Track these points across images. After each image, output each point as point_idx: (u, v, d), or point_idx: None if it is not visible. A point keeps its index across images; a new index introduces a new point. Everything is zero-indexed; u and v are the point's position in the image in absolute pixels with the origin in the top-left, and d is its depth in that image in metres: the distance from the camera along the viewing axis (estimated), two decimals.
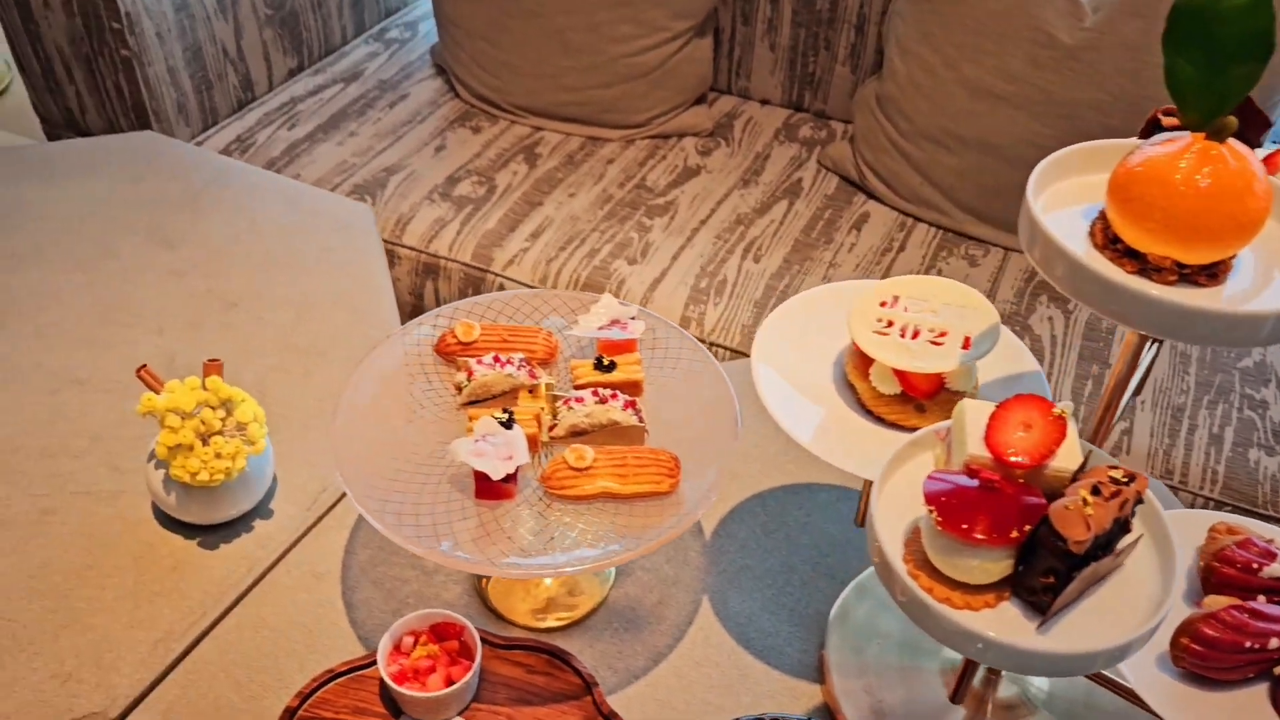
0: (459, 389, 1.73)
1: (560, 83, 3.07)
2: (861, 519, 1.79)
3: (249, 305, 2.35)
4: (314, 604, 1.72)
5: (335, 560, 1.90)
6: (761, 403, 1.44)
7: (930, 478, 1.07)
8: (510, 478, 1.58)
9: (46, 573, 1.75)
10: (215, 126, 3.17)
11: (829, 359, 1.67)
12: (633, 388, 1.74)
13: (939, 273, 2.85)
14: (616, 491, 1.59)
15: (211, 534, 1.94)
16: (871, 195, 3.16)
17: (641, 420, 1.68)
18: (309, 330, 2.30)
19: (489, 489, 1.59)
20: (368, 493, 1.58)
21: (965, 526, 1.01)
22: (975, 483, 1.04)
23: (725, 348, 2.53)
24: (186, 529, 1.95)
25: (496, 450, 1.58)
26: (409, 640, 1.69)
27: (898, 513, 1.18)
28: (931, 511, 1.05)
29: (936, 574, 1.08)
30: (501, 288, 2.86)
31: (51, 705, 1.55)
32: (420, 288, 2.94)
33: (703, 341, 2.30)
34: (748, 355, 2.78)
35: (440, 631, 1.70)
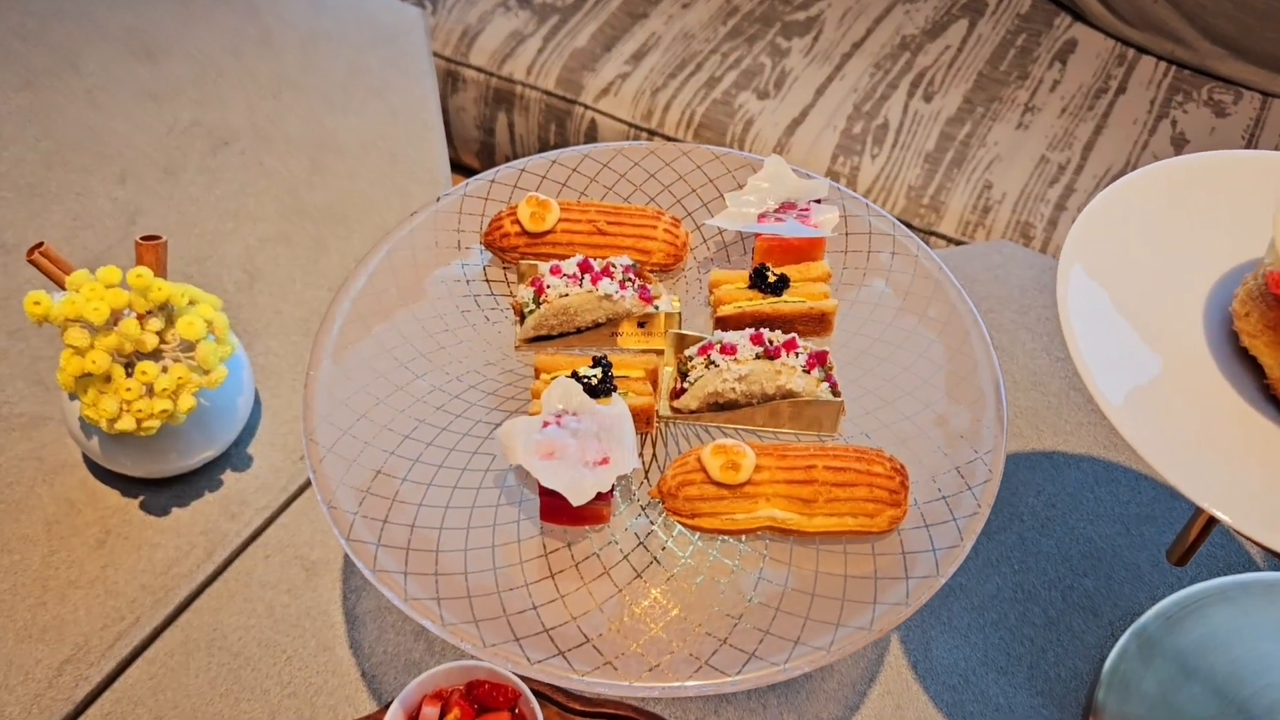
0: (520, 313, 0.92)
1: None
2: (1182, 556, 0.96)
3: (246, 146, 1.53)
4: (301, 615, 1.18)
5: (337, 543, 1.15)
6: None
7: None
8: (608, 492, 0.79)
9: None
10: None
11: (1196, 294, 0.82)
12: (819, 324, 0.92)
13: (1173, 125, 1.91)
14: (792, 527, 0.80)
15: (160, 490, 1.19)
16: (1080, 16, 2.17)
17: (837, 391, 0.86)
18: (326, 186, 1.47)
19: (564, 511, 0.80)
20: (356, 505, 0.82)
21: None
22: None
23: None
24: (126, 482, 1.19)
25: (580, 445, 0.79)
26: (431, 711, 0.95)
27: None
28: None
29: None
30: (593, 126, 1.99)
31: None
32: (489, 120, 2.10)
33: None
34: (915, 227, 1.88)
35: (481, 696, 0.95)
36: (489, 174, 1.06)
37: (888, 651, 1.09)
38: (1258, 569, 1.15)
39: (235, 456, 1.21)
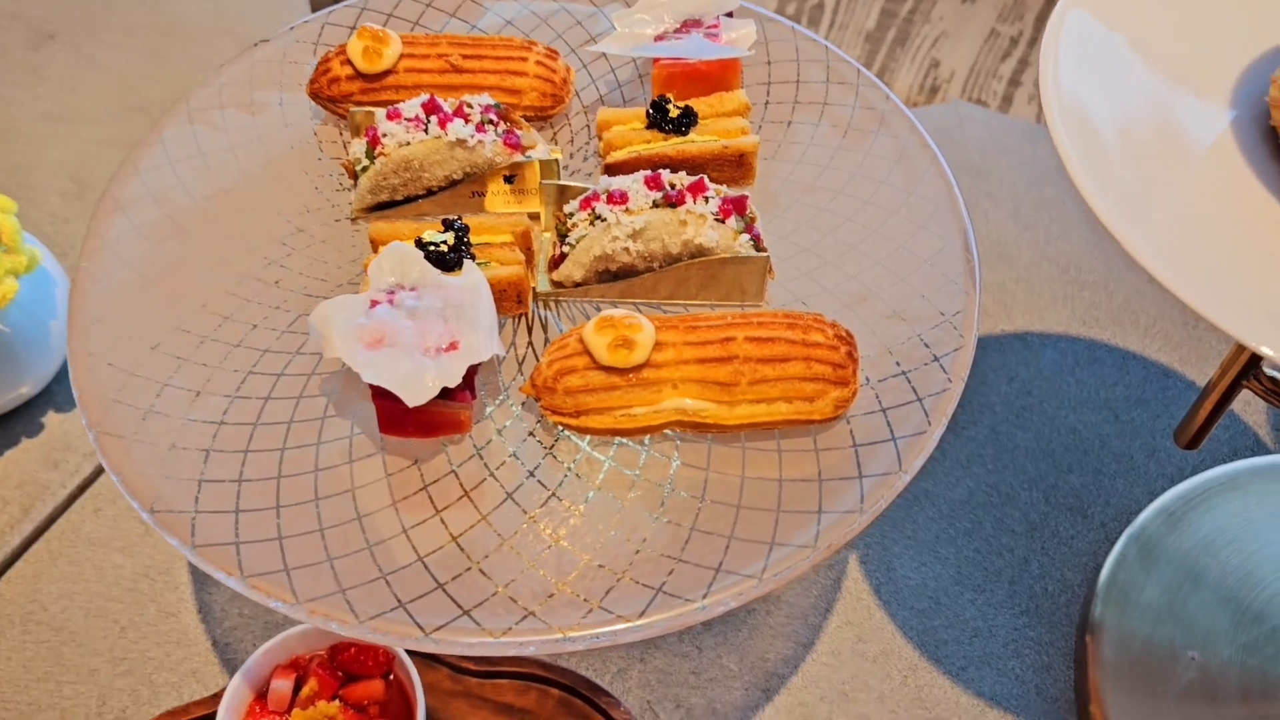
0: (353, 174, 0.69)
1: None
2: (1194, 437, 0.75)
3: (74, 38, 1.25)
4: (138, 576, 0.98)
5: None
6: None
7: None
8: (460, 388, 0.56)
9: None
10: None
11: (1222, 82, 0.60)
12: (737, 169, 0.69)
13: None
14: (708, 420, 0.58)
15: None
16: None
17: (761, 245, 0.64)
18: (169, 79, 1.23)
19: (406, 417, 0.57)
20: (135, 426, 0.58)
21: None
22: None
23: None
24: None
25: (418, 328, 0.56)
26: (283, 684, 0.73)
27: None
28: None
29: None
30: None
31: None
32: None
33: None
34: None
35: (346, 662, 0.74)
36: (320, 14, 0.82)
37: (844, 575, 0.88)
38: (1268, 451, 0.95)
39: (57, 394, 0.97)
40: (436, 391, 0.57)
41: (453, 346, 0.58)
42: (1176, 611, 0.85)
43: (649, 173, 0.65)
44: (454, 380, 0.57)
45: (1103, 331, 1.01)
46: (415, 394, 0.56)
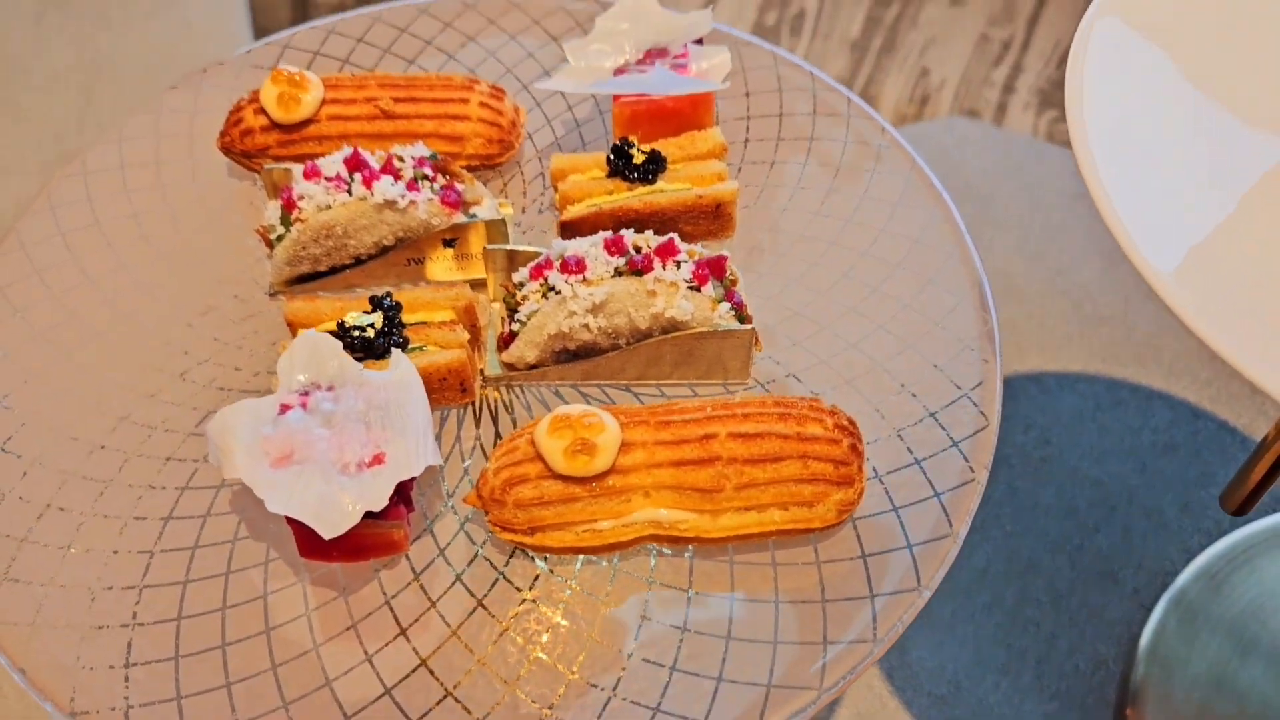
0: (268, 241, 0.58)
1: None
2: (1244, 502, 0.65)
3: None
4: None
5: None
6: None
7: None
8: (394, 502, 0.46)
9: None
10: None
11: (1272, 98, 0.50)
12: (714, 221, 0.59)
13: None
14: (687, 533, 0.48)
15: None
16: None
17: (745, 314, 0.54)
18: (102, 126, 1.12)
19: (330, 540, 0.47)
20: (13, 568, 0.49)
21: None
22: None
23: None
24: None
25: (335, 439, 0.46)
26: None
27: None
28: None
29: None
30: None
31: None
32: None
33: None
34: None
35: None
36: (238, 54, 0.72)
37: None
38: None
39: None
40: (358, 519, 0.47)
41: (377, 460, 0.48)
42: (1227, 687, 0.76)
43: (609, 234, 0.55)
44: (379, 503, 0.47)
45: (1123, 370, 0.91)
46: (331, 523, 0.46)
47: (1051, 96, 1.53)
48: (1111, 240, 0.59)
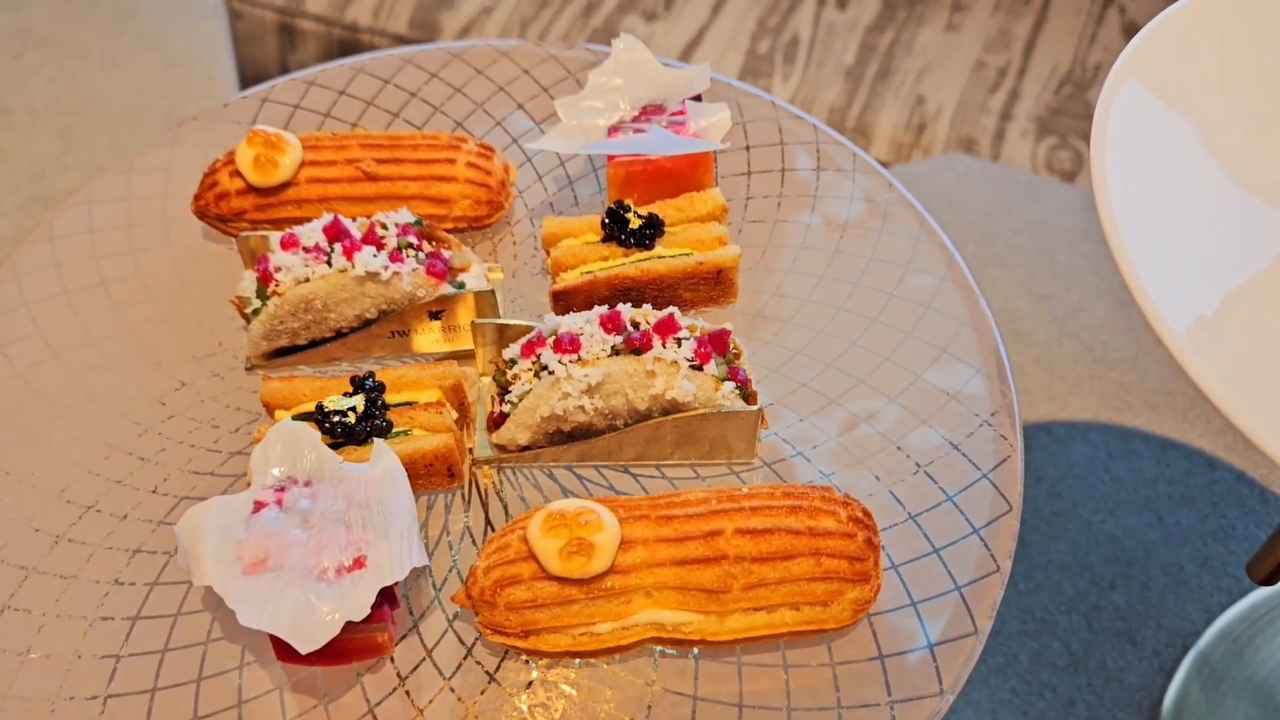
0: (244, 313, 0.55)
1: None
2: (1273, 571, 0.61)
3: None
4: None
5: None
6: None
7: None
8: (379, 605, 0.42)
9: None
10: None
11: None
12: (715, 287, 0.56)
13: (1121, 11, 1.59)
14: (692, 636, 0.44)
15: None
16: None
17: (751, 394, 0.50)
18: (81, 165, 1.11)
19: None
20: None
21: None
22: None
23: None
24: None
25: (313, 542, 0.42)
26: None
27: None
28: None
29: None
30: None
31: None
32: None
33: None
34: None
35: None
36: (214, 110, 0.68)
37: None
38: None
39: None
40: (337, 630, 0.43)
41: (358, 564, 0.45)
42: None
43: (605, 309, 0.52)
44: (360, 613, 0.43)
45: (1136, 418, 0.88)
46: (309, 637, 0.43)
47: (1049, 123, 1.51)
48: (1120, 281, 0.57)
